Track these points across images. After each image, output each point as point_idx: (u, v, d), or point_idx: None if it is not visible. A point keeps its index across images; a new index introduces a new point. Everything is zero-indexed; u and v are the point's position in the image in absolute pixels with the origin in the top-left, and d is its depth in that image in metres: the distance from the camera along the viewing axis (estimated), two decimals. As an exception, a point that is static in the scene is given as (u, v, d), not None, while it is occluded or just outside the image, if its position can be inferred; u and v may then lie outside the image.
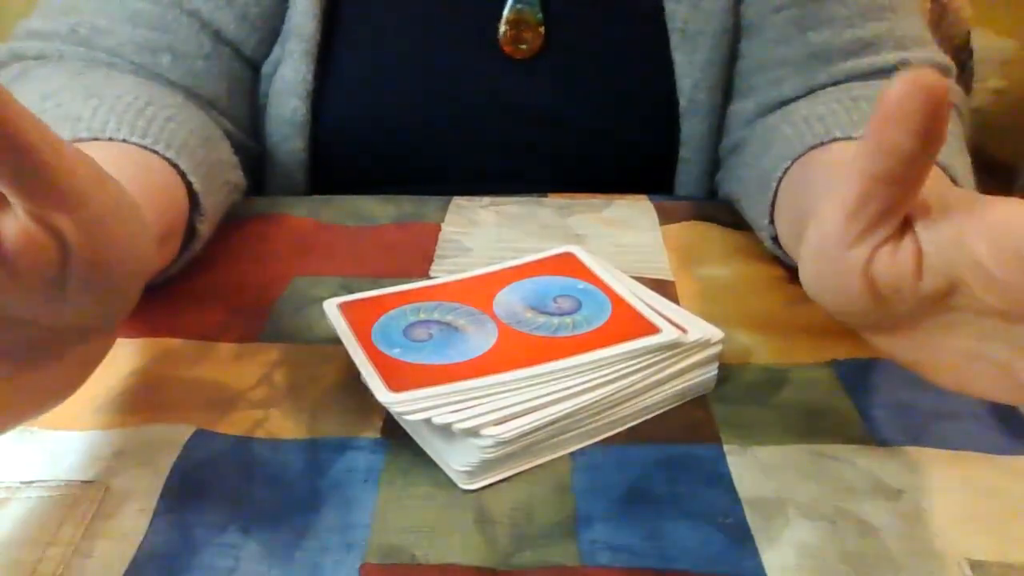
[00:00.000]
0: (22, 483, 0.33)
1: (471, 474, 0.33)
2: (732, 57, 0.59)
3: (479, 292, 0.40)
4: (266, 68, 0.59)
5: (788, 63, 0.56)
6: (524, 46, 0.58)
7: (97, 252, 0.26)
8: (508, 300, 0.40)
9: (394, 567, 0.29)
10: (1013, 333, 0.26)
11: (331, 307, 0.39)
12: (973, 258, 0.25)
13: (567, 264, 0.43)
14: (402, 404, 0.32)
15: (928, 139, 0.25)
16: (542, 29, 0.58)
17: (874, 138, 0.25)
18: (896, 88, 0.24)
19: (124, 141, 0.43)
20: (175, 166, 0.44)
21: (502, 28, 0.58)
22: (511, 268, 0.43)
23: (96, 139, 0.43)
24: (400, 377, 0.34)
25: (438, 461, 0.34)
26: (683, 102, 0.59)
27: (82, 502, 0.32)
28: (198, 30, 0.55)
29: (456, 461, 0.33)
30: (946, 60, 0.57)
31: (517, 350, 0.35)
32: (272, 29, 0.58)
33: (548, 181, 0.60)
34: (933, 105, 0.24)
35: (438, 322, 0.38)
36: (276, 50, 0.58)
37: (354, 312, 0.38)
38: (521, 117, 0.60)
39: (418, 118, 0.60)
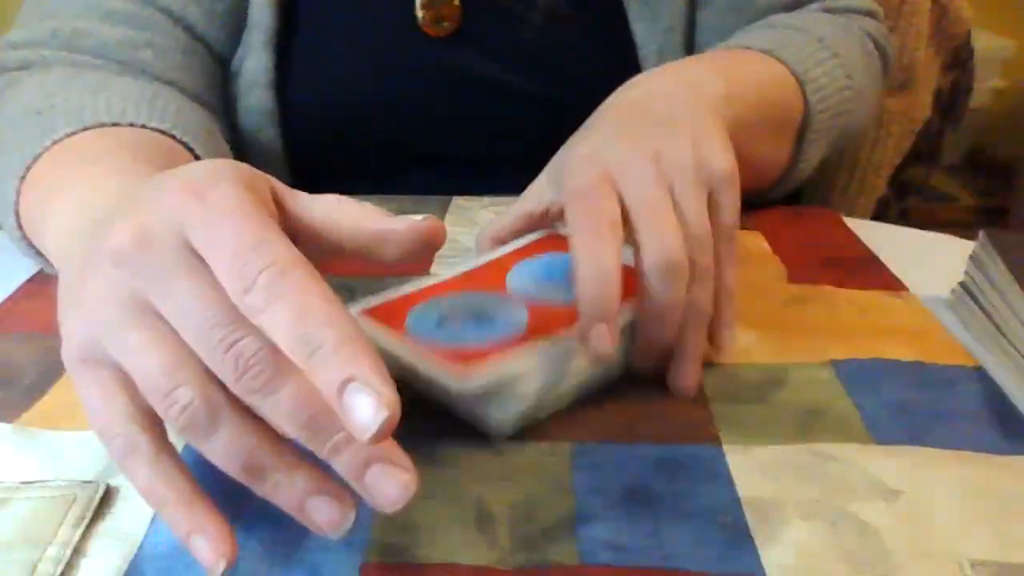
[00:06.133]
0: (22, 483, 0.33)
1: (510, 423, 0.35)
2: (691, 27, 0.62)
3: (490, 278, 0.41)
4: (234, 64, 0.60)
5: (741, 28, 0.60)
6: (446, 24, 0.60)
7: None
8: (521, 281, 0.41)
9: (394, 567, 0.29)
10: None
11: (359, 317, 0.38)
12: None
13: (561, 241, 0.43)
14: (476, 387, 0.34)
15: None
16: (457, 1, 0.60)
17: None
18: None
19: (143, 126, 0.44)
20: (191, 150, 0.45)
21: (420, 13, 0.59)
22: (511, 252, 0.43)
23: (117, 124, 0.43)
24: (462, 363, 0.34)
25: (469, 419, 0.36)
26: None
27: (82, 502, 0.32)
28: (173, 25, 0.56)
29: (495, 416, 0.35)
30: (874, 6, 0.63)
31: (552, 321, 0.37)
32: (237, 25, 0.59)
33: (520, 156, 0.60)
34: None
35: (465, 310, 0.38)
36: (240, 47, 0.60)
37: (380, 317, 0.38)
38: (478, 92, 0.61)
39: (369, 102, 0.62)
